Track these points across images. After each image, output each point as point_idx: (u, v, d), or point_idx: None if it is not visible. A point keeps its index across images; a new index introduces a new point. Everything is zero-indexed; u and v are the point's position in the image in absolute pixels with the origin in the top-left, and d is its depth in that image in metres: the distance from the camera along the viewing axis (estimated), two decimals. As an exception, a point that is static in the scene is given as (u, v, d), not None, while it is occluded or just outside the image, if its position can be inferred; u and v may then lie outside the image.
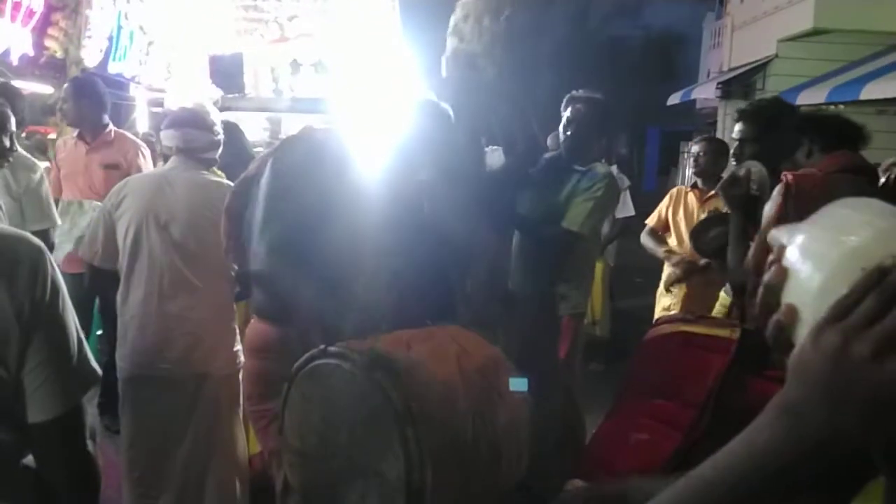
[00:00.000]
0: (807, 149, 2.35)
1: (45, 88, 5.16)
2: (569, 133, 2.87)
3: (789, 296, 0.59)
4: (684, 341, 1.77)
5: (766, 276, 0.62)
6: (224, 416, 2.40)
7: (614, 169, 4.18)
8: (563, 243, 2.79)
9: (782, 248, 0.62)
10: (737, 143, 2.62)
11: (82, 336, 1.19)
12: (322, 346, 1.54)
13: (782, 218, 2.16)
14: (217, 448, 2.39)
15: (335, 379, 1.50)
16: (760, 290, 0.63)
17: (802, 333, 0.56)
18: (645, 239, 3.81)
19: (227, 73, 4.64)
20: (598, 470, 1.64)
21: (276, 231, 1.75)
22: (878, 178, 2.43)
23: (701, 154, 3.67)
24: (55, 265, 1.13)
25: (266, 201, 1.79)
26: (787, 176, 2.16)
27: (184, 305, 2.33)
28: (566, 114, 2.89)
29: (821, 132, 2.33)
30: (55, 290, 1.11)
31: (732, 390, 1.58)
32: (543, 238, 2.85)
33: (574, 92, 2.94)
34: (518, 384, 1.67)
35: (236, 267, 2.03)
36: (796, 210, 2.09)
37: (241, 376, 2.07)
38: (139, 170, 3.54)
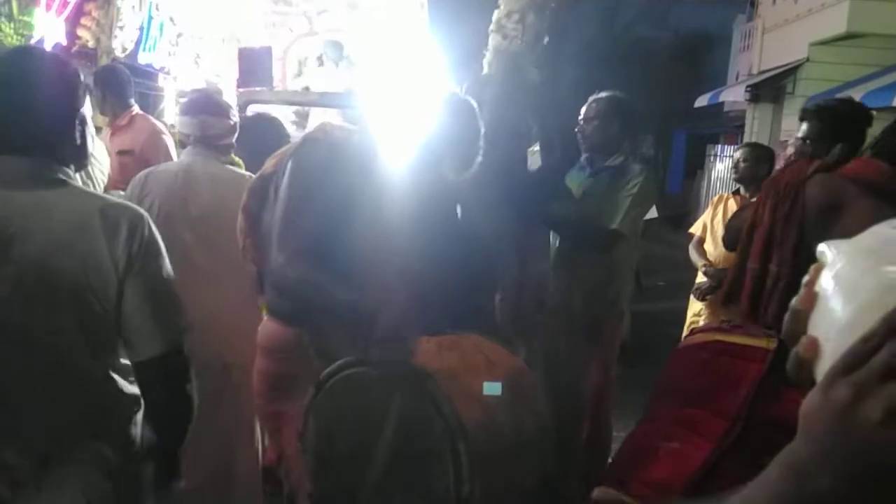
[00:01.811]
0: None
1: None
2: (585, 130, 2.85)
3: (815, 326, 0.53)
4: (719, 350, 1.75)
5: (795, 301, 0.56)
6: (251, 405, 2.42)
7: (639, 171, 4.14)
8: (603, 242, 2.77)
9: (819, 269, 0.55)
10: (800, 142, 2.62)
11: (176, 293, 1.45)
12: (356, 356, 1.54)
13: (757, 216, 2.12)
14: (244, 436, 2.41)
15: (374, 390, 1.50)
16: (787, 315, 0.56)
17: (822, 372, 0.50)
18: (691, 250, 3.83)
19: (255, 66, 4.67)
20: (627, 478, 1.63)
21: (296, 232, 1.71)
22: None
23: (742, 160, 3.64)
24: (154, 231, 1.40)
25: (287, 201, 1.74)
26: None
27: (210, 299, 2.35)
28: (584, 111, 2.87)
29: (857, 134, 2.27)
30: (151, 249, 1.38)
31: (767, 401, 1.55)
32: (584, 239, 2.83)
33: (597, 94, 2.92)
34: (541, 395, 1.69)
35: (254, 266, 2.01)
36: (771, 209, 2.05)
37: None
38: (153, 157, 3.46)
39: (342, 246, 1.73)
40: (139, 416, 1.48)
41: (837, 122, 2.51)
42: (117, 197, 3.23)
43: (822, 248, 0.56)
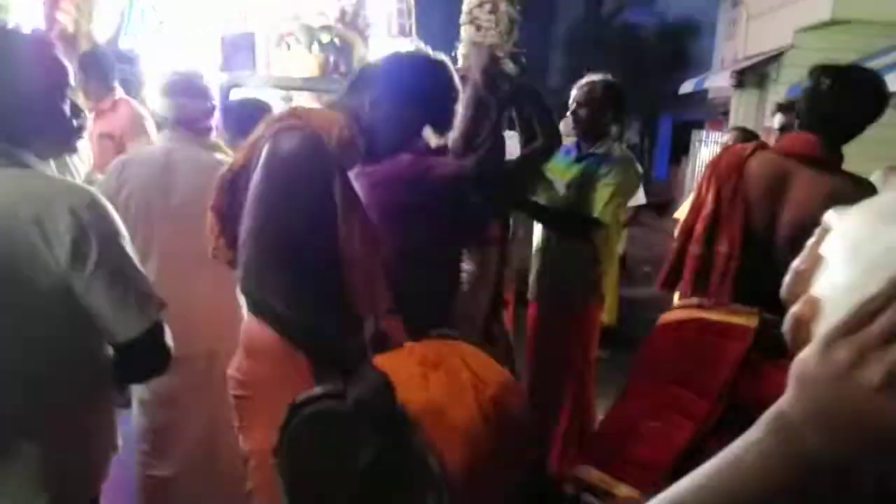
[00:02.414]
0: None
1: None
2: (578, 115, 2.84)
3: (817, 287, 0.53)
4: (701, 328, 1.74)
5: (798, 261, 0.56)
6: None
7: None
8: (586, 231, 2.77)
9: (824, 232, 0.55)
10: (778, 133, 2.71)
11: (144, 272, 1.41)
12: (328, 388, 1.46)
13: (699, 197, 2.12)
14: (229, 422, 2.38)
15: (353, 431, 1.44)
16: (789, 276, 0.57)
17: (822, 331, 0.50)
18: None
19: (238, 50, 4.61)
20: (609, 458, 1.62)
21: (273, 236, 1.56)
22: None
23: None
24: (106, 210, 1.34)
25: (262, 201, 1.58)
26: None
27: (193, 288, 2.32)
28: (575, 96, 2.86)
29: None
30: (104, 232, 1.31)
31: (749, 380, 1.55)
32: (565, 228, 2.83)
33: (584, 78, 2.91)
34: (526, 409, 1.66)
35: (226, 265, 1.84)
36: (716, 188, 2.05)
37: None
38: (133, 141, 3.49)
39: (321, 240, 1.64)
40: None
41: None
42: (95, 182, 3.21)
43: (827, 215, 0.56)
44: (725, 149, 2.22)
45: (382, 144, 1.80)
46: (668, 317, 1.85)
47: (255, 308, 1.64)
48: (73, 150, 1.54)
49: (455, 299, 2.54)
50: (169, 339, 1.45)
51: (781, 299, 0.58)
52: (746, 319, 1.66)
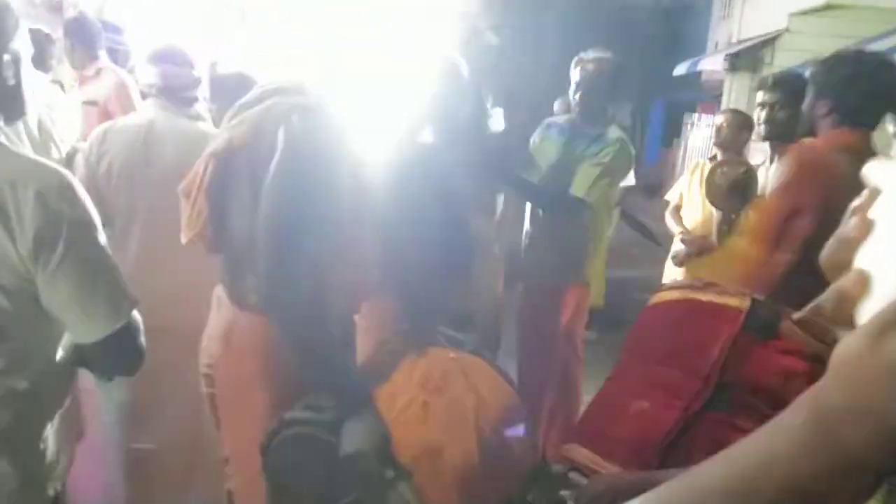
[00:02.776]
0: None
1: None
2: (578, 95, 2.79)
3: (865, 259, 0.46)
4: (691, 308, 1.72)
5: (844, 228, 0.49)
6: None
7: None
8: (569, 211, 2.74)
9: (875, 193, 0.47)
10: (766, 109, 2.73)
11: (117, 266, 1.29)
12: (311, 413, 1.40)
13: (792, 190, 2.10)
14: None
15: (336, 463, 1.37)
16: (832, 241, 0.50)
17: (868, 312, 0.44)
18: (667, 217, 3.83)
19: (222, 24, 4.55)
20: (597, 437, 1.61)
21: (297, 227, 1.45)
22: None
23: (724, 126, 3.62)
24: (79, 197, 1.21)
25: (287, 190, 1.46)
26: (796, 147, 2.11)
27: (176, 259, 2.28)
28: (574, 76, 2.81)
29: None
30: (75, 221, 1.18)
31: (738, 362, 1.54)
32: (549, 205, 2.81)
33: (582, 53, 2.85)
34: (529, 430, 1.62)
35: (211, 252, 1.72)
36: (808, 186, 2.04)
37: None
38: (117, 109, 3.45)
39: (328, 228, 1.52)
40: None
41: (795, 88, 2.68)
42: (79, 151, 3.16)
43: (867, 169, 0.49)
44: (812, 150, 2.17)
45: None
46: (658, 297, 1.83)
47: (267, 302, 1.48)
48: (17, 116, 1.35)
49: (460, 276, 2.52)
50: (142, 338, 1.34)
51: (821, 267, 0.52)
52: (738, 301, 1.65)
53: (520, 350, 3.01)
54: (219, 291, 1.73)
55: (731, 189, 2.72)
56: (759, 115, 2.87)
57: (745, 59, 11.09)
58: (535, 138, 2.90)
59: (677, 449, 1.48)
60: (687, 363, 1.60)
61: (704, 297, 1.73)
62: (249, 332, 1.58)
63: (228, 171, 1.57)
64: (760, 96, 2.87)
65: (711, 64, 12.76)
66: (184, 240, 1.66)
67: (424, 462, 1.36)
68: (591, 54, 2.81)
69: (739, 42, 11.64)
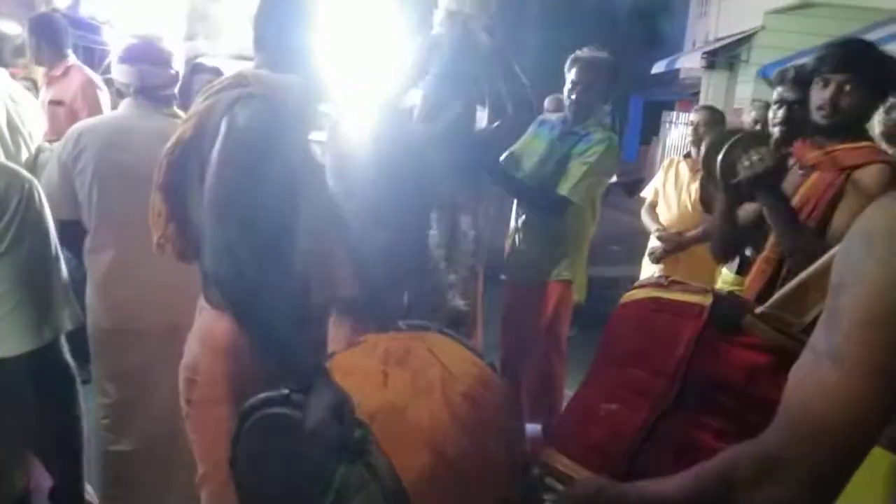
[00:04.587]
0: None
1: (13, 28, 4.98)
2: (575, 94, 2.78)
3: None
4: (656, 307, 1.72)
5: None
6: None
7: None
8: (553, 208, 2.75)
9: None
10: (785, 107, 2.44)
11: (62, 277, 1.19)
12: (285, 391, 1.34)
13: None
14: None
15: (302, 440, 1.32)
16: None
17: None
18: (643, 215, 3.84)
19: (202, 20, 4.51)
20: (571, 441, 1.61)
21: (241, 217, 1.40)
22: None
23: (702, 124, 3.63)
24: (35, 198, 1.13)
25: (225, 177, 1.42)
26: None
27: (155, 262, 2.25)
28: (571, 75, 2.80)
29: None
30: (22, 222, 1.11)
31: (703, 358, 1.54)
32: (533, 202, 2.81)
33: (578, 52, 2.83)
34: (508, 406, 1.56)
35: (176, 256, 1.68)
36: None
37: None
38: (83, 111, 3.42)
39: (289, 220, 1.51)
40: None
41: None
42: (47, 150, 3.13)
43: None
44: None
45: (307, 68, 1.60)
46: (626, 297, 1.83)
47: (225, 296, 1.45)
48: None
49: (425, 263, 2.52)
50: (66, 356, 1.22)
51: None
52: (701, 298, 1.66)
53: (502, 346, 3.02)
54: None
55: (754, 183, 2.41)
56: (775, 114, 2.50)
57: (722, 56, 11.20)
58: (527, 134, 2.90)
59: (646, 449, 1.48)
60: (653, 363, 1.60)
61: (669, 295, 1.73)
62: (220, 330, 1.55)
63: (181, 168, 1.54)
64: (779, 93, 2.49)
65: (689, 62, 12.87)
66: (154, 243, 1.62)
67: (382, 419, 1.31)
68: (587, 53, 2.81)
69: (716, 40, 11.75)
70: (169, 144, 1.56)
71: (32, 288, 1.14)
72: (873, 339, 0.84)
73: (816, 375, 0.86)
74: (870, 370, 0.84)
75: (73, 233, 2.32)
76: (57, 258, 1.19)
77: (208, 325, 1.61)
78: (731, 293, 2.06)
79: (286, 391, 1.35)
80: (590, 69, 2.75)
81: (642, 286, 1.87)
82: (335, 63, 1.64)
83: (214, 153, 1.43)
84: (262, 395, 1.39)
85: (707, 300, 1.63)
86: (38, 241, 1.15)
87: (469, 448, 1.39)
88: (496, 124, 2.67)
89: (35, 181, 1.17)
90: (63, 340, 1.21)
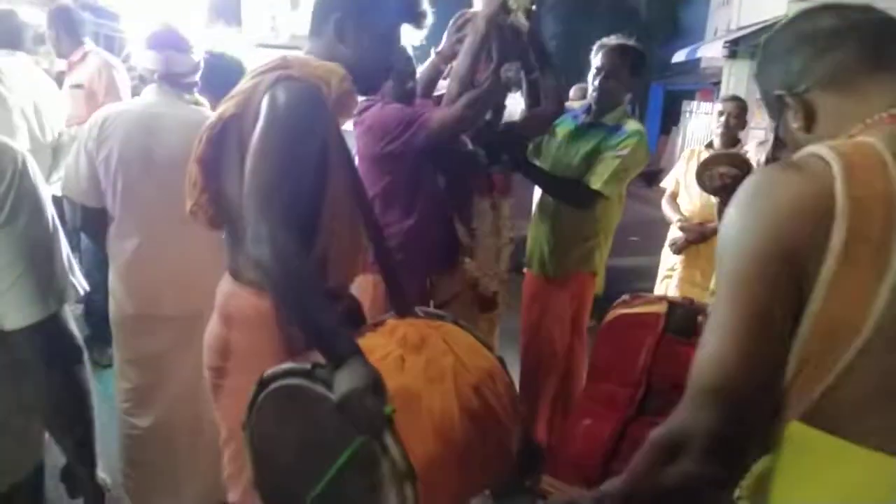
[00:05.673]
0: None
1: (34, 16, 5.03)
2: (598, 81, 2.76)
3: None
4: (623, 324, 1.86)
5: None
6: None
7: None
8: (584, 202, 2.73)
9: None
10: None
11: (61, 248, 1.20)
12: (308, 365, 1.38)
13: None
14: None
15: (320, 413, 1.35)
16: None
17: None
18: (664, 205, 3.82)
19: (223, 7, 4.52)
20: (555, 462, 1.73)
21: (280, 194, 1.43)
22: None
23: (732, 115, 3.59)
24: (27, 172, 1.14)
25: (266, 154, 1.45)
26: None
27: (178, 248, 2.28)
28: (596, 61, 2.77)
29: None
30: (18, 194, 1.12)
31: (663, 363, 1.64)
32: (563, 195, 2.79)
33: (605, 39, 2.81)
34: (512, 398, 1.59)
35: (206, 225, 1.72)
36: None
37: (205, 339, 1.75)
38: (101, 92, 3.53)
39: (314, 209, 1.55)
40: None
41: None
42: (66, 134, 3.18)
43: None
44: None
45: (368, 68, 1.66)
46: (606, 317, 1.98)
47: (267, 279, 1.45)
48: None
49: (452, 250, 2.52)
50: (72, 327, 1.22)
51: None
52: (658, 307, 1.78)
53: (524, 337, 3.01)
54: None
55: (718, 193, 2.59)
56: None
57: (745, 46, 11.06)
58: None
59: (618, 457, 1.58)
60: (620, 374, 1.70)
61: (632, 309, 1.84)
62: (245, 303, 1.60)
63: (220, 143, 1.59)
64: None
65: (711, 51, 12.72)
66: (187, 210, 1.68)
67: (399, 402, 1.34)
68: (613, 40, 2.77)
69: (739, 29, 11.60)
70: (211, 120, 1.61)
71: (34, 259, 1.14)
72: (740, 302, 0.88)
73: (702, 346, 0.91)
74: (741, 333, 0.88)
75: (97, 220, 2.35)
76: (56, 229, 1.20)
77: (232, 295, 1.65)
78: (685, 298, 2.15)
79: (309, 365, 1.38)
80: (615, 55, 2.72)
81: (615, 306, 2.02)
82: (379, 59, 1.69)
83: (255, 136, 1.47)
84: (285, 366, 1.43)
85: (663, 308, 1.72)
86: (36, 212, 1.16)
87: (473, 437, 1.45)
88: (528, 114, 2.65)
89: (27, 154, 1.17)
90: (68, 311, 1.22)
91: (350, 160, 1.73)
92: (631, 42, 2.77)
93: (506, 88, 2.51)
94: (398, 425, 1.31)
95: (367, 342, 1.49)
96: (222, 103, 1.61)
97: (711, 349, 0.90)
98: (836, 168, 0.87)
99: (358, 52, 1.62)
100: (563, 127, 2.86)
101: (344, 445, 1.32)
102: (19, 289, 1.12)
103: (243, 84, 1.59)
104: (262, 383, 1.45)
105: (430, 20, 1.74)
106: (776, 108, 1.07)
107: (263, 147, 1.45)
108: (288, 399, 1.42)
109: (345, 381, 1.30)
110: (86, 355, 1.26)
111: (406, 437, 1.31)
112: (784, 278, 0.87)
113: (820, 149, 0.92)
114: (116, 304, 2.37)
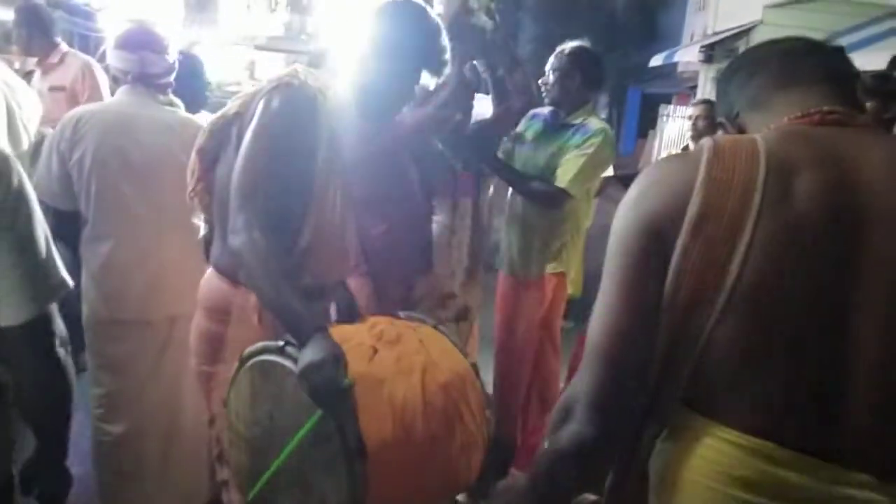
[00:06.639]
0: None
1: (6, 14, 4.95)
2: (552, 83, 2.81)
3: None
4: None
5: None
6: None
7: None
8: (551, 200, 2.74)
9: None
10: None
11: (51, 246, 1.24)
12: (281, 343, 1.45)
13: None
14: (187, 390, 2.34)
15: (288, 387, 1.41)
16: None
17: None
18: None
19: (201, 7, 4.48)
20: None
21: (259, 190, 1.54)
22: None
23: (701, 118, 3.63)
24: (21, 175, 1.19)
25: (253, 152, 1.56)
26: None
27: (154, 251, 2.26)
28: (550, 63, 2.82)
29: None
30: (17, 197, 1.16)
31: None
32: (531, 194, 2.80)
33: (562, 46, 2.87)
34: (481, 401, 1.62)
35: (202, 212, 1.83)
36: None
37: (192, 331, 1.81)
38: (84, 93, 3.50)
39: (293, 210, 1.63)
40: None
41: None
42: (46, 134, 3.11)
43: None
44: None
45: (381, 103, 1.80)
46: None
47: (239, 264, 1.55)
48: None
49: (426, 252, 2.52)
50: (60, 328, 1.27)
51: None
52: None
53: (497, 337, 3.02)
54: None
55: None
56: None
57: (721, 50, 11.18)
58: (520, 127, 2.89)
59: None
60: None
61: None
62: (219, 293, 1.71)
63: (220, 137, 1.71)
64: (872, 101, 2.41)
65: (687, 55, 12.84)
66: (187, 196, 1.80)
67: (362, 385, 1.39)
68: (568, 45, 2.83)
69: (714, 34, 11.72)
70: (215, 117, 1.74)
71: (34, 259, 1.20)
72: (614, 274, 0.99)
73: (592, 315, 1.01)
74: (617, 303, 0.97)
75: (70, 223, 2.28)
76: (44, 225, 1.25)
77: (210, 286, 1.76)
78: None
79: (281, 343, 1.45)
80: (566, 57, 2.78)
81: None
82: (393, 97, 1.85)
83: (247, 135, 1.58)
84: (260, 344, 1.51)
85: None
86: (34, 213, 1.21)
87: (438, 434, 1.47)
88: (496, 113, 2.66)
89: (12, 156, 1.20)
90: (55, 308, 1.27)
91: (343, 165, 1.76)
92: (583, 45, 2.84)
93: (468, 88, 2.53)
94: (357, 406, 1.37)
95: (342, 331, 1.56)
96: (231, 101, 1.72)
97: (595, 316, 0.99)
98: (706, 153, 0.96)
99: (373, 88, 1.76)
100: (532, 130, 2.88)
101: (307, 420, 1.38)
102: (20, 288, 1.17)
103: (251, 87, 1.71)
104: (242, 361, 1.53)
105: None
106: (726, 133, 1.18)
107: (252, 146, 1.57)
108: (261, 374, 1.49)
109: (307, 353, 1.38)
110: (69, 349, 1.30)
111: (362, 417, 1.36)
112: (650, 251, 0.95)
113: (707, 140, 1.00)
114: (90, 308, 2.33)
